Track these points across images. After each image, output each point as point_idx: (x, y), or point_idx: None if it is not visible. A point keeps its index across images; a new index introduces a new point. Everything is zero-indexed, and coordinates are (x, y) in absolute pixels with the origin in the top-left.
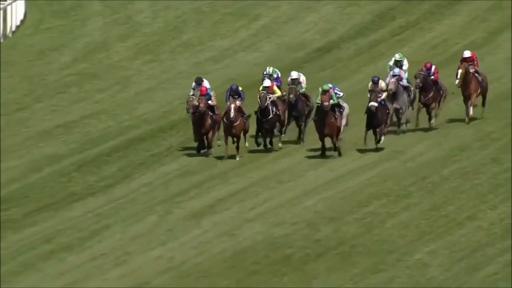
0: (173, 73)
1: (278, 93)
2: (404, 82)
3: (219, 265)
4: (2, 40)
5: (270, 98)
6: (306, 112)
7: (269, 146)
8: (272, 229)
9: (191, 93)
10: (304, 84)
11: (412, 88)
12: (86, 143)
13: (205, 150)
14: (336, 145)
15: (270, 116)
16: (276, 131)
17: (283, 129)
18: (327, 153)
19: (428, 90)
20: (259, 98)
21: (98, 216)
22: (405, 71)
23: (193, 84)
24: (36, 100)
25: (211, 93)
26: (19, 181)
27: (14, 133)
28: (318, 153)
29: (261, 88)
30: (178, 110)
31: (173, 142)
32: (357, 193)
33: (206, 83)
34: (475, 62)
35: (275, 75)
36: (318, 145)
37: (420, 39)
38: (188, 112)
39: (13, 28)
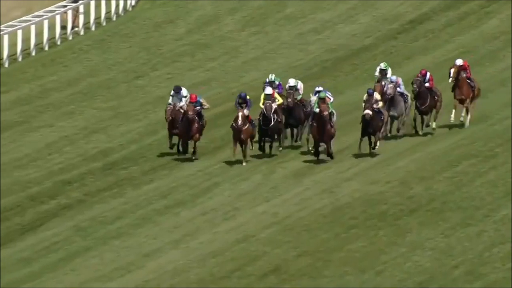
0: (277, 44)
1: (280, 100)
2: (402, 89)
3: (320, 220)
4: (122, 14)
5: (274, 107)
6: (304, 117)
7: (269, 151)
8: (368, 187)
9: (170, 101)
10: (301, 91)
11: (408, 96)
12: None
13: (189, 155)
14: (330, 151)
15: (272, 124)
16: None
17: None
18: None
19: (424, 98)
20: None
21: (208, 175)
22: (389, 79)
23: (172, 92)
24: (153, 69)
25: (201, 100)
26: (138, 143)
27: (133, 99)
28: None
29: (262, 95)
30: (281, 78)
31: None
32: (447, 154)
33: (184, 91)
34: (468, 70)
35: (276, 82)
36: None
37: (508, 11)
38: (166, 120)
39: (133, 3)
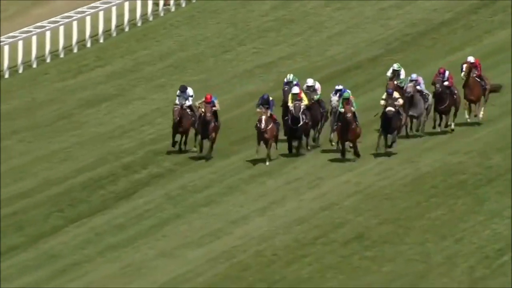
0: (360, 19)
1: (306, 101)
2: (422, 87)
3: (401, 189)
4: None
5: (302, 107)
6: (320, 117)
7: (296, 151)
8: (448, 157)
9: (177, 101)
10: (319, 91)
11: (429, 95)
12: (283, 81)
13: (202, 153)
14: (356, 150)
15: (300, 124)
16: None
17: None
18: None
19: (443, 98)
20: (294, 108)
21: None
22: (402, 80)
23: (178, 92)
24: (240, 44)
25: (215, 101)
26: (225, 115)
27: (221, 73)
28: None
29: (290, 95)
30: (364, 52)
31: (358, 80)
32: None
33: (190, 91)
34: (479, 68)
35: (294, 82)
36: None
37: None
38: (174, 120)
39: None
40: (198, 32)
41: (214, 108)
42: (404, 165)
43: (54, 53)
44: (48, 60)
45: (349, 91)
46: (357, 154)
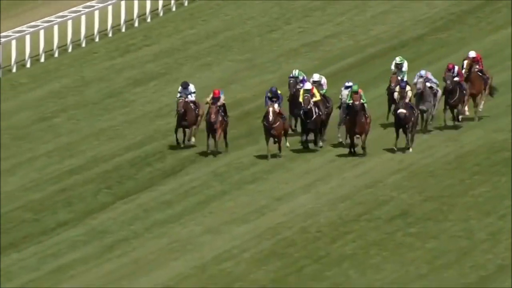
0: None
1: (318, 96)
2: (432, 81)
3: (444, 167)
4: None
5: (311, 101)
6: (326, 114)
7: (312, 147)
8: (491, 134)
9: (178, 96)
10: (325, 86)
11: (439, 91)
12: (328, 60)
13: (214, 150)
14: (364, 144)
15: (314, 117)
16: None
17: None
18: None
19: (453, 92)
20: (303, 101)
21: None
22: (404, 72)
23: (180, 88)
24: (286, 23)
25: (222, 96)
26: None
27: (266, 51)
28: None
29: (302, 91)
30: (409, 31)
31: (403, 58)
32: None
33: (192, 87)
34: (480, 62)
35: (300, 77)
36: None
37: None
38: (177, 113)
39: None
40: (244, 12)
41: (220, 102)
42: (447, 142)
43: (102, 32)
44: (96, 40)
45: (357, 85)
46: (363, 148)
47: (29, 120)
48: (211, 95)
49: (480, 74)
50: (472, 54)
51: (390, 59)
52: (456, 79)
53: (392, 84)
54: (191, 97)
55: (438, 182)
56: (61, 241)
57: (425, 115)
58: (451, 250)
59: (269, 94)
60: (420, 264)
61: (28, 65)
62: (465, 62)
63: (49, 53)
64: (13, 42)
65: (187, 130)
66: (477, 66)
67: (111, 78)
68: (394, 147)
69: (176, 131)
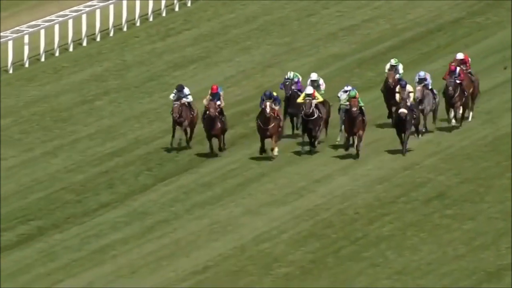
0: None
1: (320, 98)
2: (429, 84)
3: (481, 149)
4: None
5: (313, 103)
6: (324, 116)
7: (311, 148)
8: None
9: (171, 97)
10: (323, 87)
11: (437, 96)
12: (366, 43)
13: (217, 149)
14: (358, 146)
15: (315, 117)
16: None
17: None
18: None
19: (454, 93)
20: (304, 104)
21: (374, 108)
22: (401, 74)
23: (174, 91)
24: (324, 7)
25: (221, 92)
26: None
27: (305, 36)
28: None
29: (303, 95)
30: (446, 14)
31: (440, 42)
32: None
33: (186, 90)
34: (468, 64)
35: (295, 79)
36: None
37: None
38: (172, 116)
39: None
40: None
41: (218, 103)
42: (485, 125)
43: (143, 16)
44: (137, 24)
45: (355, 91)
46: (357, 149)
47: (71, 103)
48: (208, 96)
49: (469, 75)
50: (460, 56)
51: (427, 42)
52: (458, 81)
53: (390, 80)
54: (187, 99)
55: (474, 164)
56: (102, 222)
57: (425, 114)
58: (488, 231)
59: (264, 98)
60: (457, 245)
61: (70, 49)
62: (453, 64)
63: (91, 37)
64: (56, 27)
65: (187, 130)
66: (464, 68)
67: (152, 61)
68: (401, 146)
69: (173, 136)
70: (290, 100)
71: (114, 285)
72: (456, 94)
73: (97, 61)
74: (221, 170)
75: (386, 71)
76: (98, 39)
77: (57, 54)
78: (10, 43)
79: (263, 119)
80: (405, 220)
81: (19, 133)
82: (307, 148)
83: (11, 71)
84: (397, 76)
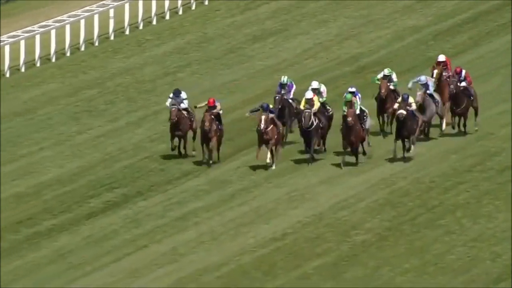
0: None
1: (317, 104)
2: (431, 90)
3: None
4: None
5: (312, 116)
6: (326, 121)
7: (312, 155)
8: None
9: (167, 103)
10: (324, 94)
11: (439, 102)
12: (441, 16)
13: (209, 161)
14: (360, 150)
15: (314, 126)
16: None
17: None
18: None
19: (460, 99)
20: (303, 117)
21: None
22: (395, 83)
23: (171, 94)
24: None
25: (217, 104)
26: (386, 48)
27: (382, 8)
28: None
29: (303, 101)
30: None
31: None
32: None
33: (184, 94)
34: (448, 67)
35: (288, 83)
36: None
37: None
38: (170, 122)
39: None
40: None
41: (215, 111)
42: None
43: None
44: None
45: (351, 94)
46: (356, 156)
47: (154, 75)
48: (204, 103)
49: (449, 79)
50: (442, 58)
51: (502, 14)
52: (462, 84)
53: (382, 91)
54: (183, 105)
55: None
56: (185, 190)
57: (427, 122)
58: None
59: (260, 109)
60: None
61: (154, 22)
62: (435, 71)
63: (173, 10)
64: (140, 2)
65: (186, 138)
66: (445, 73)
67: (232, 34)
68: (394, 154)
69: (171, 140)
70: (282, 111)
71: (197, 251)
72: (463, 105)
73: (179, 34)
74: (299, 141)
75: (378, 77)
76: (180, 12)
77: (141, 27)
78: (96, 17)
79: (260, 127)
80: (480, 189)
81: (105, 103)
82: (308, 157)
83: (97, 44)
84: (392, 86)
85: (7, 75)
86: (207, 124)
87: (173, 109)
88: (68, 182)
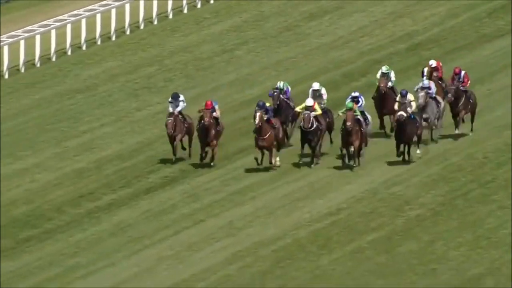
0: None
1: (319, 111)
2: (433, 92)
3: None
4: None
5: (312, 119)
6: (326, 126)
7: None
8: None
9: (170, 109)
10: (325, 96)
11: (441, 104)
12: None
13: (207, 161)
14: (358, 155)
15: (313, 128)
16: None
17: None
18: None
19: (458, 99)
20: (303, 119)
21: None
22: (393, 82)
23: (170, 99)
24: None
25: (216, 106)
26: (440, 26)
27: None
28: None
29: (303, 106)
30: None
31: None
32: None
33: (182, 98)
34: (440, 71)
35: (284, 88)
36: None
37: None
38: (167, 130)
39: None
40: None
41: (214, 114)
42: None
43: None
44: None
45: (352, 103)
46: (357, 159)
47: (212, 52)
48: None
49: (440, 82)
50: (433, 63)
51: None
52: (461, 86)
53: (381, 85)
54: (180, 107)
55: None
56: (241, 165)
57: (426, 124)
58: None
59: (256, 108)
60: None
61: (211, 1)
62: (425, 69)
63: None
64: None
65: (182, 142)
66: (435, 74)
67: (288, 12)
68: (397, 156)
69: (173, 148)
70: (279, 110)
71: (253, 225)
72: (460, 103)
73: (236, 13)
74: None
75: (378, 77)
76: None
77: (199, 6)
78: None
79: (256, 130)
80: None
81: (163, 81)
82: (309, 159)
83: (155, 22)
84: (390, 83)
85: (69, 52)
86: (207, 119)
87: (169, 121)
88: (127, 158)
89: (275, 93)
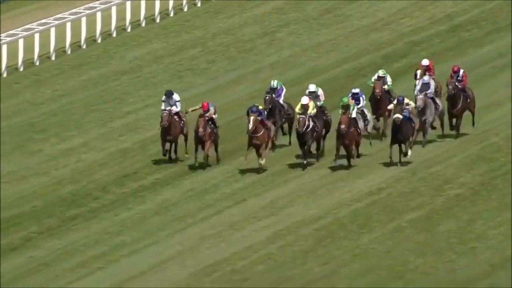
0: None
1: (311, 108)
2: (431, 91)
3: None
4: None
5: (306, 122)
6: (324, 125)
7: (308, 160)
8: None
9: (162, 106)
10: (322, 97)
11: (440, 105)
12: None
13: (206, 163)
14: (351, 155)
15: (309, 129)
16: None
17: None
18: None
19: (456, 99)
20: (298, 122)
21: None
22: (389, 85)
23: (163, 97)
24: None
25: (212, 108)
26: (479, 7)
27: None
28: None
29: (299, 106)
30: None
31: None
32: None
33: (176, 96)
34: (432, 70)
35: (278, 87)
36: None
37: None
38: (161, 126)
39: None
40: None
41: (208, 114)
42: None
43: None
44: None
45: (347, 98)
46: (349, 160)
47: (254, 34)
48: (197, 106)
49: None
50: (425, 62)
51: None
52: (459, 85)
53: (377, 90)
54: (176, 108)
55: None
56: (283, 145)
57: (426, 123)
58: None
59: (249, 112)
60: None
61: None
62: (418, 72)
63: None
64: None
65: (177, 142)
66: (428, 74)
67: None
68: (390, 159)
69: (162, 145)
70: (272, 112)
71: (294, 204)
72: (459, 106)
73: None
74: None
75: (373, 80)
76: None
77: None
78: None
79: (250, 131)
80: None
81: (206, 62)
82: (308, 160)
83: (199, 4)
84: (386, 87)
85: (114, 34)
86: (201, 130)
87: (165, 114)
88: None
89: (267, 97)
